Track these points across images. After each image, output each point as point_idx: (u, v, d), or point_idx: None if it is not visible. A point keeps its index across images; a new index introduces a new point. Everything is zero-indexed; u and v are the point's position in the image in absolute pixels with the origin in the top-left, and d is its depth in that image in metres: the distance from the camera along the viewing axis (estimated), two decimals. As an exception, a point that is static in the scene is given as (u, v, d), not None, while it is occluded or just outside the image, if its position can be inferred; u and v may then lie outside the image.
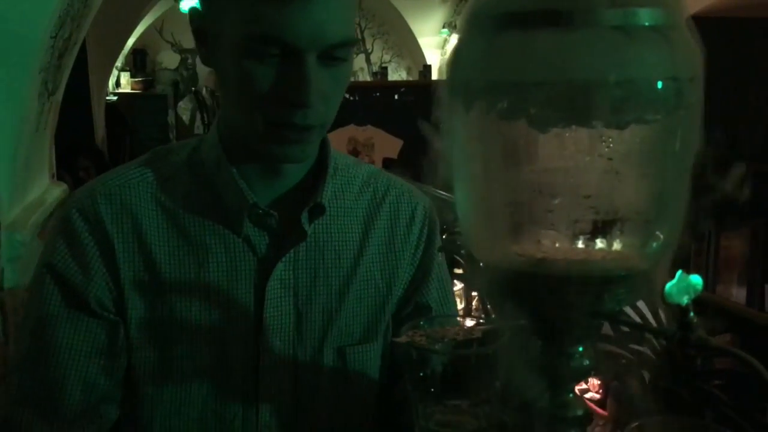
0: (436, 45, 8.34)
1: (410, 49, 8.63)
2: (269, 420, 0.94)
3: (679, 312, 0.44)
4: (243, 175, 0.91)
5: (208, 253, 0.91)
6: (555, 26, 0.46)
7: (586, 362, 0.53)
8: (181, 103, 8.65)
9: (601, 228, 0.50)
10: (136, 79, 8.24)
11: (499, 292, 0.54)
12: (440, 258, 1.07)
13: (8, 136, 1.68)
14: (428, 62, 8.12)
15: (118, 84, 8.09)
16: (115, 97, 7.66)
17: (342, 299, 0.98)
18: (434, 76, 7.77)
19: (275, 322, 0.93)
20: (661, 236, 0.51)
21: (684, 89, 0.47)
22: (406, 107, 6.47)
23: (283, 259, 0.94)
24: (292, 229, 0.94)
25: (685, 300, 0.44)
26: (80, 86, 5.73)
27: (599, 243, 0.51)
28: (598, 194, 0.50)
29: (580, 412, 0.55)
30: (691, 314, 0.44)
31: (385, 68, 8.66)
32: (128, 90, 8.05)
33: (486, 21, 0.48)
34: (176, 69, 8.63)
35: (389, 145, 6.31)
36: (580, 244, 0.50)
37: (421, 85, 6.76)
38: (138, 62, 8.54)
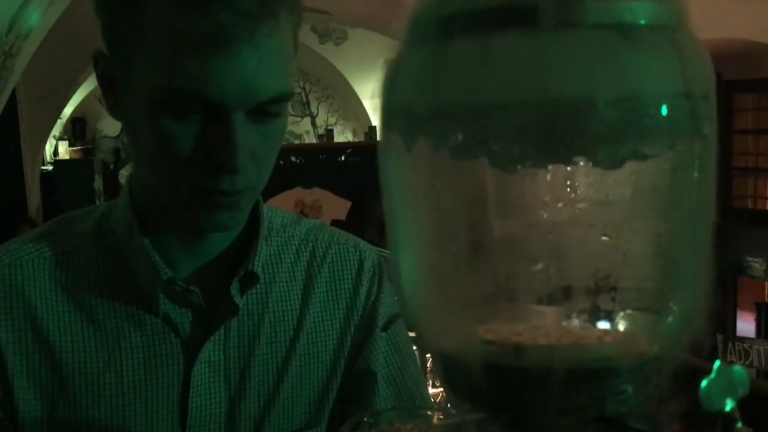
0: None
1: (355, 111, 8.64)
2: None
3: (721, 421, 0.30)
4: (159, 244, 0.78)
5: (120, 338, 0.77)
6: (524, 27, 0.33)
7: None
8: (122, 171, 8.45)
9: (597, 301, 0.37)
10: (75, 148, 8.02)
11: (461, 389, 0.39)
12: (393, 311, 0.93)
13: None
14: (374, 124, 8.11)
15: (56, 153, 7.85)
16: (51, 167, 7.41)
17: (281, 380, 0.84)
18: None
19: (203, 414, 0.79)
20: (676, 309, 0.38)
21: (699, 110, 0.34)
22: (353, 168, 6.41)
23: (212, 339, 0.79)
24: (221, 304, 0.80)
25: (728, 405, 0.31)
26: (13, 157, 5.53)
27: (595, 321, 0.37)
28: (590, 256, 0.37)
29: None
30: (739, 425, 0.30)
31: (331, 131, 8.63)
32: (67, 159, 7.82)
33: (431, 25, 0.36)
34: (117, 136, 8.44)
35: (337, 206, 6.21)
36: (570, 324, 0.37)
37: (368, 146, 6.72)
38: (77, 130, 8.35)
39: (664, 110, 0.34)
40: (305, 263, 0.89)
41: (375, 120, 8.27)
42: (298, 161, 6.37)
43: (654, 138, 0.35)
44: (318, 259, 0.90)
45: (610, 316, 0.38)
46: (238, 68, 0.67)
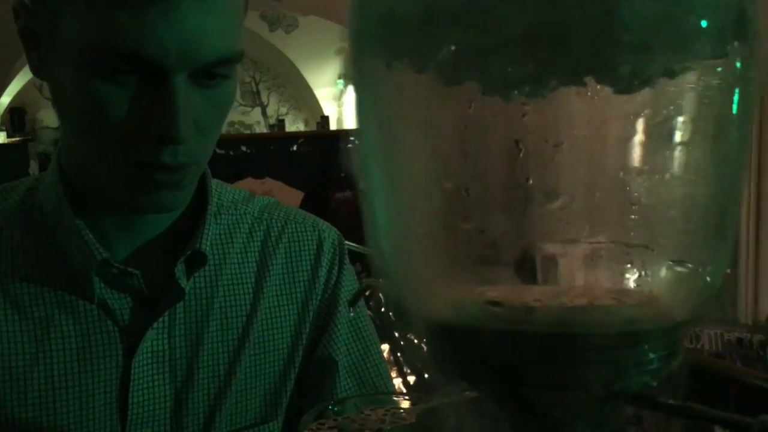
0: (332, 96, 8.25)
1: (307, 101, 8.50)
2: None
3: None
4: (92, 222, 0.69)
5: (49, 327, 0.69)
6: None
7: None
8: (64, 163, 8.16)
9: (618, 259, 0.31)
10: (13, 139, 7.70)
11: (453, 364, 0.32)
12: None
13: None
14: (325, 113, 8.00)
15: (-7, 145, 7.53)
16: (-14, 157, 7.09)
17: (232, 371, 0.76)
18: (332, 127, 7.67)
19: (145, 410, 0.70)
20: (703, 270, 0.32)
21: (746, 11, 0.28)
22: (306, 158, 6.30)
23: (155, 326, 0.71)
24: (164, 288, 0.72)
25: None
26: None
27: (617, 281, 0.31)
28: (607, 207, 0.31)
29: None
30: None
31: (282, 121, 8.47)
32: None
33: None
34: (58, 127, 8.16)
35: (289, 197, 6.09)
36: (589, 284, 0.30)
37: (320, 136, 6.61)
38: (16, 121, 8.02)
39: (703, 7, 0.27)
40: (259, 243, 0.82)
41: (327, 110, 8.17)
42: (248, 151, 6.21)
43: (689, 48, 0.28)
44: (273, 238, 0.83)
45: (632, 276, 0.31)
46: (179, 23, 0.59)
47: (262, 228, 0.83)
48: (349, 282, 0.87)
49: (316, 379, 0.81)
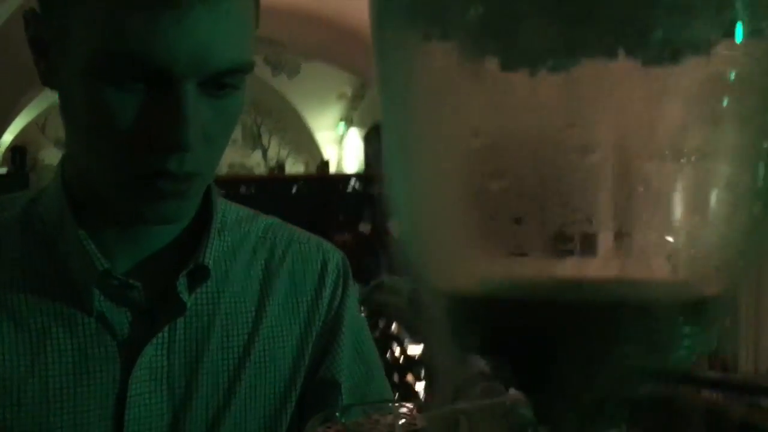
0: (333, 140, 8.33)
1: (307, 144, 8.58)
2: None
3: None
4: (94, 234, 0.68)
5: (45, 339, 0.67)
6: None
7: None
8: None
9: (655, 231, 0.29)
10: (14, 178, 7.74)
11: (475, 338, 0.31)
12: (359, 316, 0.85)
13: None
14: (326, 157, 8.07)
15: (-8, 183, 7.55)
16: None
17: (232, 391, 0.74)
18: (332, 171, 7.72)
19: (142, 428, 0.69)
20: (739, 245, 0.31)
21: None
22: (304, 200, 6.34)
23: (154, 341, 0.70)
24: (165, 302, 0.71)
25: None
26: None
27: (654, 255, 0.30)
28: (644, 181, 0.30)
29: None
30: None
31: (282, 164, 8.53)
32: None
33: None
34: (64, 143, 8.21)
35: (287, 239, 6.12)
36: (627, 256, 0.29)
37: (319, 178, 6.67)
38: (17, 160, 8.08)
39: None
40: (262, 262, 0.81)
41: (328, 152, 8.23)
42: (248, 192, 6.26)
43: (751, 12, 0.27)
44: (277, 258, 0.82)
45: (670, 249, 0.30)
46: (189, 30, 0.59)
47: (266, 247, 0.82)
48: (353, 303, 0.85)
49: (318, 400, 0.79)
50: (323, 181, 5.93)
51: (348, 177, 7.23)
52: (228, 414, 0.74)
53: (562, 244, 0.29)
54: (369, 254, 4.39)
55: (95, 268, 0.67)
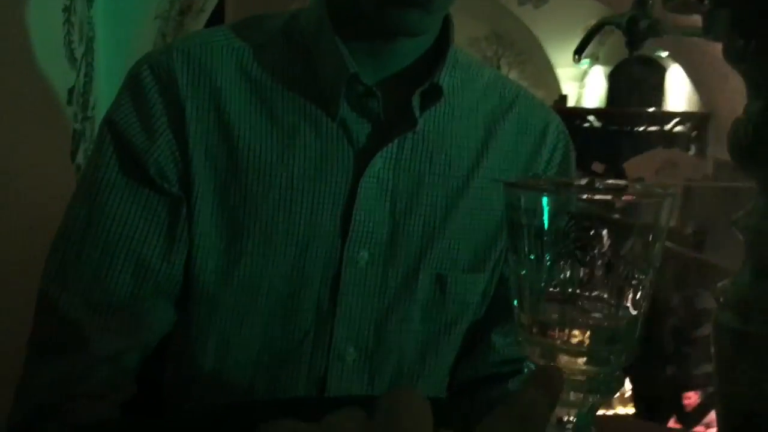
0: (573, 77, 8.05)
1: (546, 79, 8.36)
2: (343, 347, 0.77)
3: None
4: (347, 44, 0.76)
5: (295, 135, 0.76)
6: None
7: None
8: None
9: None
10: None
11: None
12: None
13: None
14: (564, 92, 7.83)
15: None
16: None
17: (448, 215, 0.81)
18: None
19: (365, 230, 0.77)
20: None
21: None
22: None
23: (383, 152, 0.77)
24: (398, 118, 0.77)
25: None
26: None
27: None
28: None
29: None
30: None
31: (519, 98, 8.44)
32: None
33: None
34: None
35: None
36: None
37: (557, 111, 6.51)
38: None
39: None
40: (490, 106, 0.86)
41: (565, 89, 7.98)
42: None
43: None
44: (504, 106, 0.86)
45: None
46: None
47: (495, 93, 0.87)
48: (572, 171, 0.88)
49: None
50: (559, 114, 5.76)
51: (586, 112, 6.98)
52: (442, 237, 0.80)
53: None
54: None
55: (346, 70, 0.73)
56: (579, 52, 0.78)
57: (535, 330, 0.44)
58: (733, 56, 0.34)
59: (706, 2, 0.34)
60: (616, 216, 0.42)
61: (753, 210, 0.37)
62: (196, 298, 0.76)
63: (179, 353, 0.79)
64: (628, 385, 2.88)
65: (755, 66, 0.33)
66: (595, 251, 0.43)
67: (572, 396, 0.44)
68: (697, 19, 0.38)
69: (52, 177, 1.23)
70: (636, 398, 2.89)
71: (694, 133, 6.17)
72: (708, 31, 0.34)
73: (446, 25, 0.82)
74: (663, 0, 0.33)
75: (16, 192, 1.10)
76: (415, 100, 0.77)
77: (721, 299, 0.38)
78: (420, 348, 0.81)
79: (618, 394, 3.03)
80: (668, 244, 2.71)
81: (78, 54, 1.38)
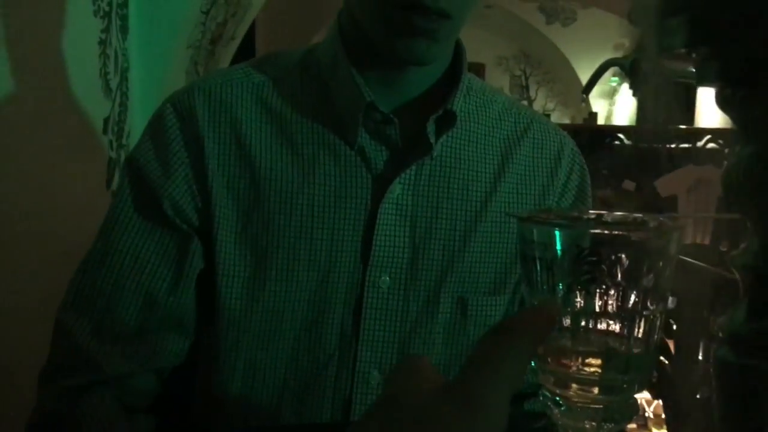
0: (603, 94, 8.01)
1: (575, 97, 8.35)
2: (368, 371, 0.79)
3: None
4: (361, 74, 0.79)
5: (315, 164, 0.79)
6: None
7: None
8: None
9: None
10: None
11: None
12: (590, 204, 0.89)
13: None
14: (594, 110, 7.79)
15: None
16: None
17: (468, 239, 0.82)
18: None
19: (386, 254, 0.79)
20: None
21: None
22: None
23: (401, 178, 0.79)
24: (414, 145, 0.80)
25: None
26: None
27: None
28: None
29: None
30: None
31: (548, 116, 8.42)
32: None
33: None
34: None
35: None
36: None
37: (585, 129, 6.46)
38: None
39: None
40: (506, 131, 0.88)
41: (595, 106, 7.94)
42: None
43: None
44: (519, 130, 0.88)
45: None
46: None
47: (510, 117, 0.89)
48: (588, 191, 0.90)
49: None
50: (589, 132, 5.74)
51: (617, 129, 6.94)
52: (462, 260, 0.82)
53: None
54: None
55: (363, 98, 0.76)
56: (586, 92, 0.79)
57: (549, 359, 0.46)
58: (723, 104, 0.35)
59: (695, 55, 0.36)
60: (627, 248, 0.44)
61: (747, 249, 0.38)
62: (223, 325, 0.78)
63: (207, 378, 0.81)
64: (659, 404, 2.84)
65: (743, 113, 0.34)
66: (607, 283, 0.44)
67: (587, 425, 0.45)
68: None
69: (89, 204, 1.28)
70: (668, 421, 2.85)
71: (726, 150, 6.09)
72: (701, 80, 0.35)
73: (458, 51, 0.84)
74: (658, 51, 0.35)
75: (55, 219, 1.15)
76: (430, 126, 0.79)
77: (720, 334, 0.39)
78: (442, 370, 0.82)
79: (652, 416, 2.99)
80: (700, 263, 2.68)
81: (113, 84, 1.44)
